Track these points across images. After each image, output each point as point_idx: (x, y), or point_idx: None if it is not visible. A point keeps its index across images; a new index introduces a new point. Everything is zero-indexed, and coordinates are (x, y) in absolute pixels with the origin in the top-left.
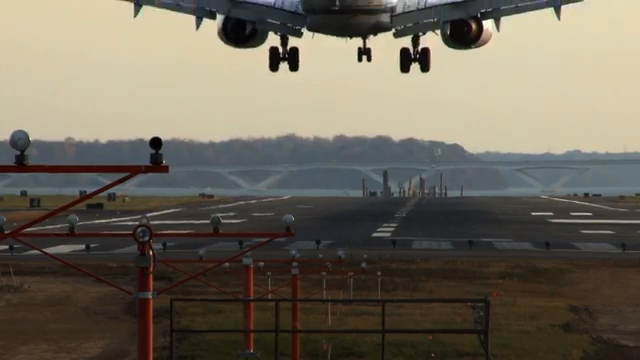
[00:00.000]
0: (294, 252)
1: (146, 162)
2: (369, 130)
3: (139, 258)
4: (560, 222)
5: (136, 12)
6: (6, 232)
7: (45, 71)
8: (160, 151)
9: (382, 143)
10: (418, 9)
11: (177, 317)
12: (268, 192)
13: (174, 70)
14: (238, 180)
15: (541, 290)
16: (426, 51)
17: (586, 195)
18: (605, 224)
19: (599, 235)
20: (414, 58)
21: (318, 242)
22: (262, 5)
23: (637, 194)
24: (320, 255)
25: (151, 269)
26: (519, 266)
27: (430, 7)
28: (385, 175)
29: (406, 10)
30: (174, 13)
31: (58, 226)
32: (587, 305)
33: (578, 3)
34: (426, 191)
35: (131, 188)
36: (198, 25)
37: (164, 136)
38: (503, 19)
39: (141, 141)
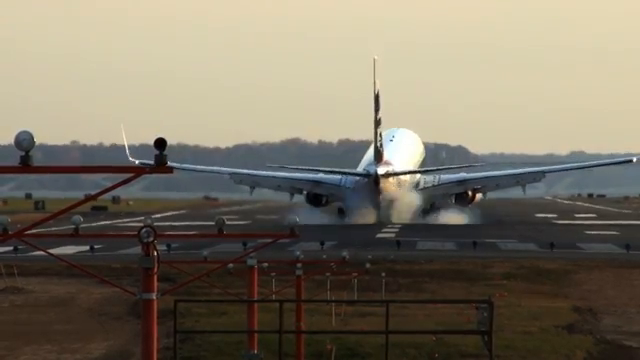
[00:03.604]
0: (298, 253)
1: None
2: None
3: (143, 259)
4: (564, 223)
5: (251, 192)
6: (10, 233)
7: (48, 74)
8: (164, 152)
9: None
10: (434, 185)
11: (181, 318)
12: (271, 195)
13: (178, 74)
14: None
15: (545, 291)
16: (438, 209)
17: (590, 196)
18: (609, 225)
19: (603, 236)
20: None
21: (322, 243)
22: (332, 184)
23: None
24: (324, 256)
25: (155, 270)
26: (523, 267)
27: (442, 184)
28: None
29: (426, 185)
30: None
31: (62, 228)
32: (591, 306)
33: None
34: None
35: (135, 192)
36: (291, 199)
37: (169, 140)
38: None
39: (145, 145)
